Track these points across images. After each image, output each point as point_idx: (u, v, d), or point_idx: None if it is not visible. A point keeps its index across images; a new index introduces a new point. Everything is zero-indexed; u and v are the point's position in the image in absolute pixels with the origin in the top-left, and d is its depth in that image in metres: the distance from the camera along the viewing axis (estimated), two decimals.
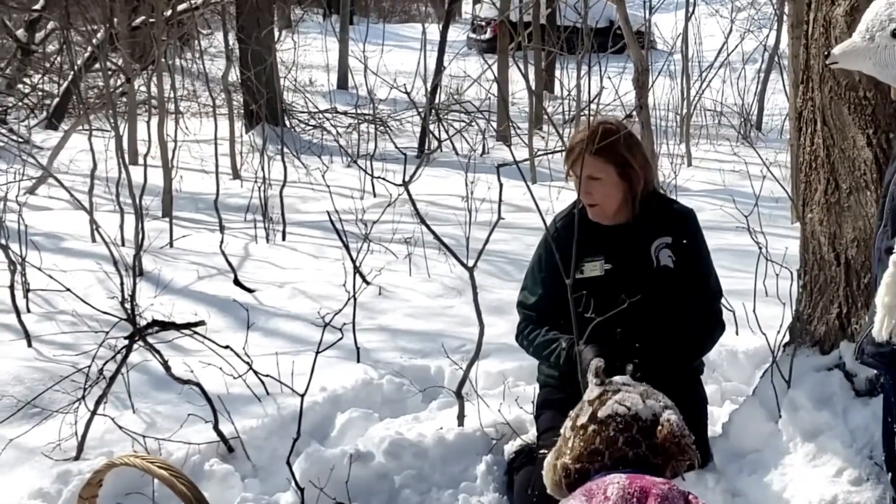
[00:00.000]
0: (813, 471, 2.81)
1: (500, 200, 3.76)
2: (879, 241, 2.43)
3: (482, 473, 3.38)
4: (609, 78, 6.84)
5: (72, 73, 10.94)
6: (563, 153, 3.32)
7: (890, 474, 2.55)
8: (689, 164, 9.11)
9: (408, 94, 3.86)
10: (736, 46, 10.23)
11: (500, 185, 3.68)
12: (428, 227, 3.75)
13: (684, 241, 3.21)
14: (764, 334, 3.25)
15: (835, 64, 2.47)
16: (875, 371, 2.76)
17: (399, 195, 5.65)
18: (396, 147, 5.30)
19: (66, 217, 7.36)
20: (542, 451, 3.31)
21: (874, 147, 2.94)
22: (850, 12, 2.93)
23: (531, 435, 3.62)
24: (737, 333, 4.35)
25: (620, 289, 3.17)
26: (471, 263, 3.79)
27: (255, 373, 3.90)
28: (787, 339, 3.23)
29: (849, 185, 3.01)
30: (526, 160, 7.63)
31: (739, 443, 3.04)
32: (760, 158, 4.18)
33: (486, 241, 3.61)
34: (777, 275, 3.29)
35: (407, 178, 3.81)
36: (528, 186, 3.18)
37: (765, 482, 2.88)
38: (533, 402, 3.56)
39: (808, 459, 2.84)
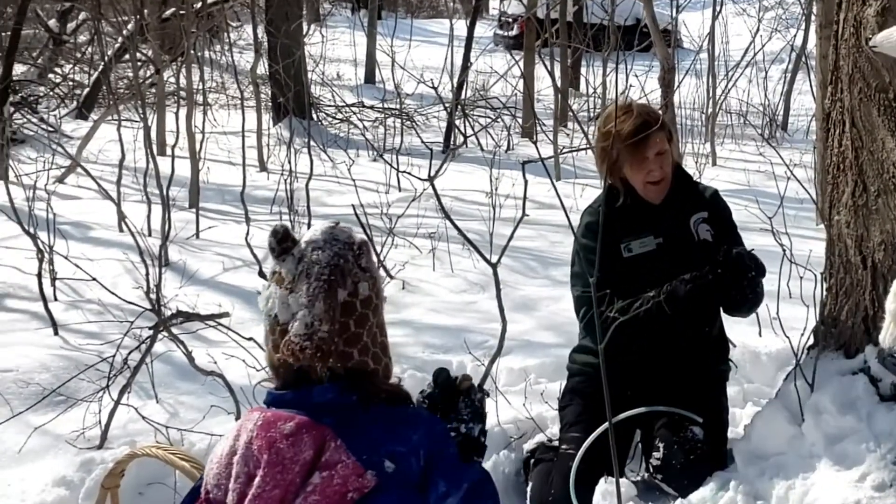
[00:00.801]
0: (836, 475, 2.78)
1: (525, 197, 3.75)
2: None
3: (488, 469, 3.35)
4: (636, 76, 6.80)
5: (102, 63, 11.01)
6: (602, 140, 3.34)
7: None
8: (714, 164, 9.05)
9: (434, 88, 3.85)
10: (763, 46, 10.15)
11: (525, 182, 3.67)
12: (452, 222, 3.75)
13: (719, 218, 3.34)
14: (787, 337, 3.23)
15: (874, 48, 2.50)
16: None
17: (424, 190, 5.65)
18: (423, 142, 5.30)
19: (95, 206, 7.42)
20: (563, 447, 3.32)
21: None
22: (881, 13, 2.90)
23: (551, 432, 3.62)
24: (760, 335, 4.33)
25: (669, 264, 3.28)
26: (494, 259, 3.78)
27: None
28: (811, 341, 3.21)
29: (877, 187, 2.98)
30: (551, 157, 7.61)
31: (762, 446, 3.03)
32: (782, 160, 4.14)
33: (511, 237, 3.61)
34: (801, 277, 3.26)
35: (433, 173, 3.81)
36: (552, 183, 3.17)
37: (786, 486, 2.86)
38: (558, 398, 3.56)
39: (830, 464, 2.82)
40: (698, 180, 3.54)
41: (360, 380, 1.95)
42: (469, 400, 2.21)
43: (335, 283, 1.94)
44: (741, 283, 3.15)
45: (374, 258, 2.03)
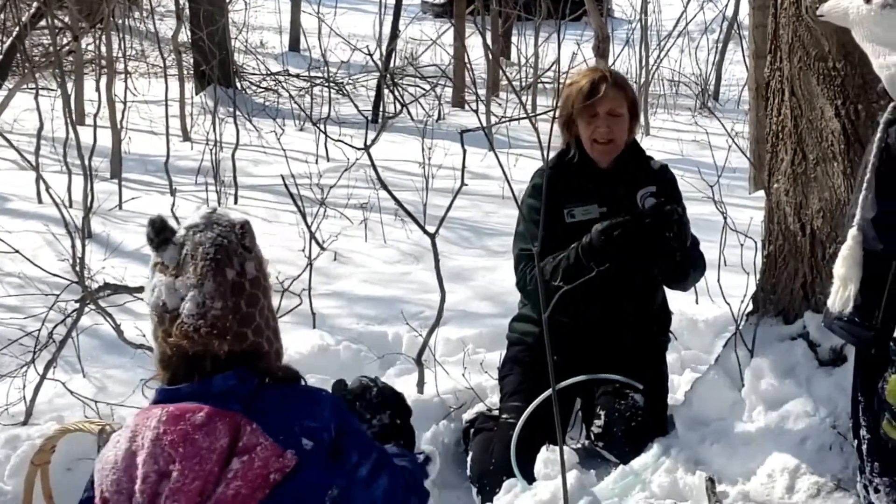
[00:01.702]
0: (776, 440, 2.81)
1: (464, 167, 3.72)
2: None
3: (426, 441, 3.32)
4: (578, 44, 6.79)
5: (16, 29, 10.63)
6: (563, 98, 3.32)
7: (855, 442, 2.56)
8: (647, 134, 9.10)
9: (370, 55, 3.77)
10: (695, 16, 10.22)
11: (464, 152, 3.63)
12: (389, 191, 3.69)
13: (667, 191, 3.31)
14: (728, 303, 3.25)
15: (821, 17, 2.53)
16: (840, 340, 2.76)
17: (357, 159, 5.57)
18: (358, 110, 5.22)
19: (12, 177, 7.17)
20: (504, 416, 3.30)
21: (842, 118, 2.92)
22: None
23: (490, 401, 3.60)
24: (697, 302, 4.37)
25: None
26: (432, 230, 3.74)
27: None
28: (750, 308, 3.23)
29: (816, 155, 2.99)
30: (495, 124, 7.57)
31: (702, 411, 3.04)
32: (725, 130, 4.15)
33: (450, 207, 3.57)
34: (742, 245, 3.28)
35: (368, 142, 3.74)
36: (494, 152, 3.12)
37: (728, 451, 2.87)
38: (497, 367, 3.54)
39: (770, 428, 2.84)
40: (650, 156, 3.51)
41: (256, 362, 1.93)
42: (364, 401, 2.25)
43: (222, 262, 1.92)
44: (661, 233, 3.13)
45: (256, 240, 2.00)
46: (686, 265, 3.28)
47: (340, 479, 1.90)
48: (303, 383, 2.00)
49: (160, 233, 1.93)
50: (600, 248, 3.15)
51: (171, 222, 1.95)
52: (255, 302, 1.94)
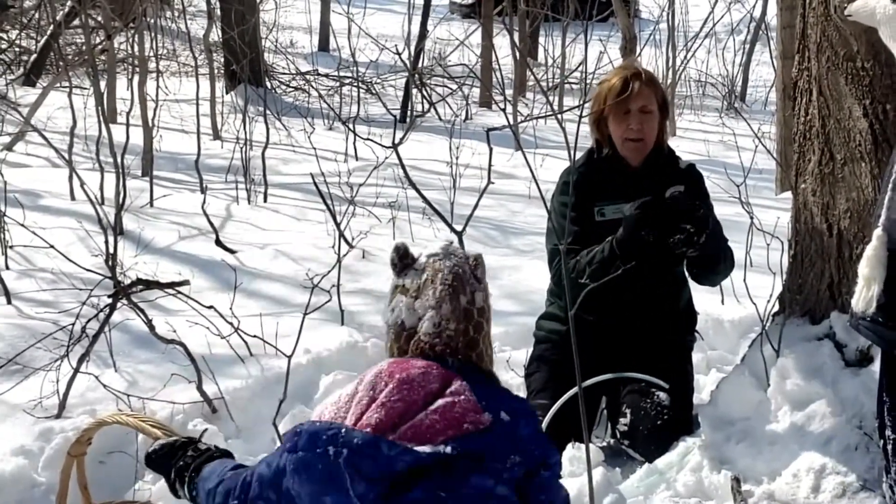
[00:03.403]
0: (802, 440, 2.81)
1: (490, 165, 3.73)
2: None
3: None
4: (602, 42, 6.79)
5: (51, 28, 10.76)
6: (595, 97, 3.38)
7: (881, 442, 2.56)
8: (674, 134, 9.09)
9: (398, 54, 3.80)
10: (722, 16, 10.19)
11: (490, 150, 3.65)
12: (417, 190, 3.71)
13: (695, 190, 3.31)
14: (754, 303, 3.25)
15: (849, 16, 2.53)
16: (866, 341, 2.76)
17: (387, 158, 5.61)
18: (387, 109, 5.25)
19: (45, 174, 7.26)
20: None
21: (870, 118, 2.92)
22: None
23: None
24: (722, 303, 4.37)
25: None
26: (459, 228, 3.76)
27: (241, 334, 3.87)
28: (776, 308, 3.23)
29: (843, 155, 2.99)
30: (521, 122, 7.58)
31: (728, 411, 3.04)
32: (752, 130, 4.15)
33: (476, 205, 3.58)
34: (768, 245, 3.28)
35: (396, 141, 3.77)
36: (521, 150, 3.14)
37: (753, 450, 2.88)
38: (524, 365, 3.56)
39: (796, 428, 2.84)
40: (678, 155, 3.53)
41: (479, 364, 2.15)
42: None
43: (458, 289, 2.13)
44: (681, 223, 3.13)
45: (486, 273, 2.24)
46: (715, 260, 3.29)
47: (524, 452, 2.06)
48: None
49: (403, 258, 2.18)
50: (635, 224, 3.14)
51: (413, 250, 2.20)
52: (480, 329, 2.16)
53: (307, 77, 11.65)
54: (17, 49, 12.59)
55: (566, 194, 3.33)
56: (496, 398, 2.09)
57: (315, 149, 6.96)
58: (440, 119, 8.81)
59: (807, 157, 3.13)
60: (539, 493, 2.10)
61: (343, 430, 2.01)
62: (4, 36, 12.93)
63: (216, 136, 9.18)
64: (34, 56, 11.77)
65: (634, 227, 3.15)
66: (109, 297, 3.75)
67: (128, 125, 7.07)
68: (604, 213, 3.34)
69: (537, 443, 2.12)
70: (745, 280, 3.41)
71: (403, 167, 3.80)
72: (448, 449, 1.99)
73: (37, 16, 12.79)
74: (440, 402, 2.03)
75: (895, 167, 2.40)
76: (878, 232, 2.36)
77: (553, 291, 3.51)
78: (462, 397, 2.04)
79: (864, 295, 2.28)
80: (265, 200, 6.81)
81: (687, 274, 3.43)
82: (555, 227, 3.28)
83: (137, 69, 8.61)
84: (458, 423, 2.02)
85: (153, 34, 9.98)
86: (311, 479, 2.02)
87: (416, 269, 2.16)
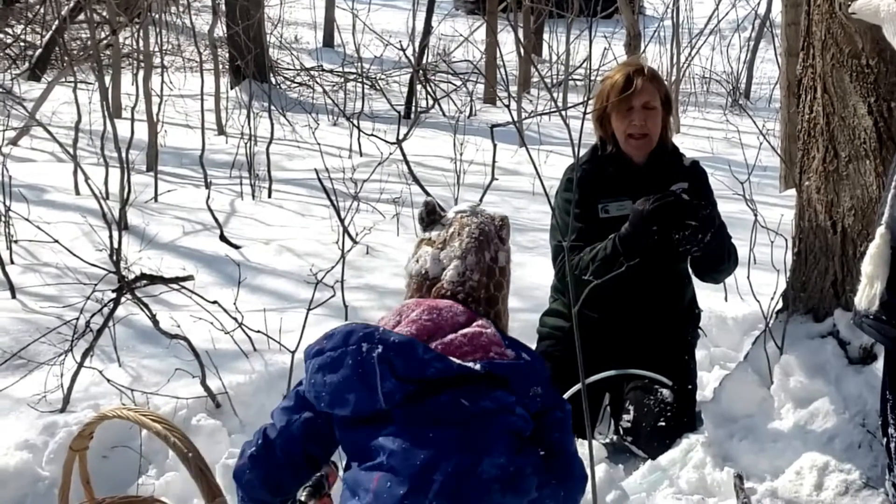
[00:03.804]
0: (805, 437, 2.81)
1: (494, 162, 3.75)
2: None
3: None
4: (606, 38, 6.79)
5: (56, 23, 10.77)
6: (598, 94, 3.36)
7: (885, 440, 2.56)
8: (678, 131, 9.08)
9: (403, 50, 3.81)
10: (726, 13, 10.19)
11: (494, 146, 3.67)
12: (421, 186, 3.72)
13: (698, 187, 3.31)
14: (757, 301, 3.25)
15: (853, 14, 2.53)
16: (869, 339, 2.76)
17: (391, 153, 5.61)
18: (391, 105, 5.24)
19: (50, 169, 7.27)
20: None
21: (874, 115, 2.92)
22: None
23: None
24: (726, 300, 4.37)
25: None
26: None
27: (245, 329, 3.88)
28: (780, 305, 3.23)
29: (848, 153, 2.99)
30: (526, 118, 7.58)
31: (731, 408, 3.04)
32: (757, 127, 4.14)
33: (481, 200, 3.59)
34: (772, 242, 3.28)
35: (400, 136, 3.78)
36: (525, 146, 3.15)
37: (756, 448, 2.88)
38: None
39: (799, 426, 2.85)
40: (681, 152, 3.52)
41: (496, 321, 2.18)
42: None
43: (483, 243, 2.17)
44: (686, 223, 3.13)
45: (510, 235, 2.28)
46: (719, 259, 3.29)
47: (546, 388, 2.11)
48: None
49: (431, 214, 2.25)
50: (642, 221, 3.13)
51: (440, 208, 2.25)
52: (500, 287, 2.21)
53: (312, 73, 11.66)
54: (22, 44, 12.60)
55: (570, 191, 3.33)
56: (516, 343, 2.15)
57: (319, 144, 6.96)
58: (444, 115, 8.82)
59: (811, 154, 3.13)
60: (553, 430, 2.12)
61: (380, 328, 2.07)
62: (10, 31, 12.94)
63: (221, 131, 9.19)
64: (39, 51, 11.79)
65: (641, 224, 3.15)
66: (114, 291, 3.76)
67: (132, 120, 7.07)
68: (608, 210, 3.34)
69: (553, 389, 2.17)
70: (748, 277, 3.41)
71: (407, 163, 3.81)
72: (478, 366, 2.04)
73: (42, 11, 12.81)
74: (468, 329, 2.08)
75: None
76: (881, 230, 2.37)
77: (556, 288, 3.51)
78: (489, 330, 2.10)
79: (868, 293, 2.29)
80: (269, 196, 6.81)
81: (690, 271, 3.43)
82: (558, 224, 3.28)
83: (142, 64, 8.62)
84: (484, 350, 2.06)
85: (158, 29, 9.98)
86: (339, 373, 2.03)
87: (442, 223, 2.22)
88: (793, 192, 3.52)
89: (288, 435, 2.18)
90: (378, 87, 9.87)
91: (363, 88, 9.99)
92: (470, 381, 2.03)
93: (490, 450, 2.00)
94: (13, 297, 4.58)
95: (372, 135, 4.08)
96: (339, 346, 2.06)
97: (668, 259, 3.30)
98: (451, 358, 2.03)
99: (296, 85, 11.52)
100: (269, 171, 6.97)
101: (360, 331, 2.06)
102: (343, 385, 2.03)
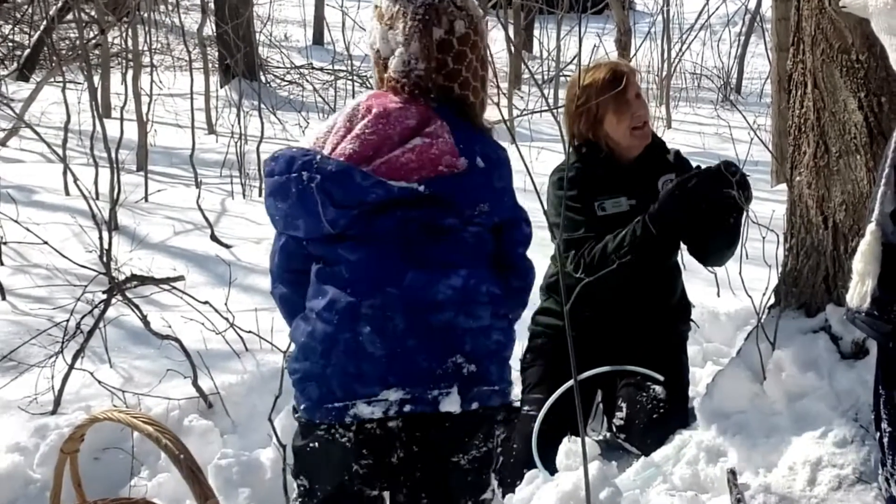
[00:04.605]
0: (797, 432, 2.81)
1: None
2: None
3: None
4: (599, 35, 6.79)
5: (44, 23, 10.73)
6: (578, 96, 3.36)
7: (878, 435, 2.56)
8: (669, 127, 9.08)
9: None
10: (717, 8, 10.19)
11: None
12: None
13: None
14: (749, 296, 3.25)
15: (843, 8, 2.53)
16: (862, 333, 2.76)
17: None
18: None
19: (39, 170, 7.24)
20: (525, 409, 3.32)
21: (865, 110, 2.91)
22: None
23: (514, 393, 3.61)
24: (718, 295, 4.37)
25: None
26: None
27: (236, 329, 3.87)
28: (772, 301, 3.23)
29: (838, 148, 2.99)
30: (517, 117, 7.58)
31: (724, 404, 3.04)
32: (747, 123, 4.14)
33: None
34: (763, 238, 3.28)
35: None
36: (515, 145, 3.13)
37: (749, 443, 2.88)
38: (520, 359, 3.55)
39: (792, 421, 2.84)
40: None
41: (461, 107, 2.13)
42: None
43: (430, 22, 2.09)
44: (724, 191, 3.12)
45: None
46: (736, 232, 3.31)
47: (494, 202, 2.10)
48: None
49: None
50: (679, 200, 3.12)
51: None
52: (462, 58, 2.13)
53: (302, 71, 11.63)
54: (10, 44, 12.55)
55: (563, 189, 3.32)
56: (474, 142, 2.09)
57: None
58: None
59: (802, 149, 3.12)
60: (518, 245, 2.19)
61: (318, 156, 2.05)
62: None
63: (211, 130, 9.16)
64: (27, 51, 11.73)
65: (689, 200, 3.12)
66: (104, 293, 3.75)
67: (122, 120, 7.05)
68: (604, 208, 3.33)
69: (512, 199, 2.15)
70: (740, 273, 3.41)
71: None
72: (421, 188, 2.03)
73: (30, 10, 12.75)
74: (417, 141, 2.04)
75: (888, 161, 2.40)
76: (871, 227, 2.36)
77: (549, 287, 3.50)
78: (440, 139, 2.05)
79: (859, 290, 2.28)
80: (260, 195, 6.79)
81: (691, 257, 3.42)
82: (562, 220, 3.23)
83: (131, 64, 8.59)
84: (433, 164, 2.03)
85: (147, 28, 9.94)
86: (286, 201, 2.07)
87: None
88: (784, 187, 3.52)
89: (276, 261, 2.27)
90: (368, 85, 9.83)
91: (353, 86, 9.97)
92: (415, 203, 2.03)
93: (449, 264, 2.06)
94: (3, 298, 4.57)
95: None
96: (284, 172, 2.08)
97: (698, 232, 3.27)
98: (392, 182, 2.02)
99: (286, 83, 11.50)
100: (259, 170, 6.95)
101: (300, 158, 2.07)
102: (291, 212, 2.08)
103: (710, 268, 3.54)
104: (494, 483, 2.22)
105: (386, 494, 2.20)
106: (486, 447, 2.17)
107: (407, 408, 2.05)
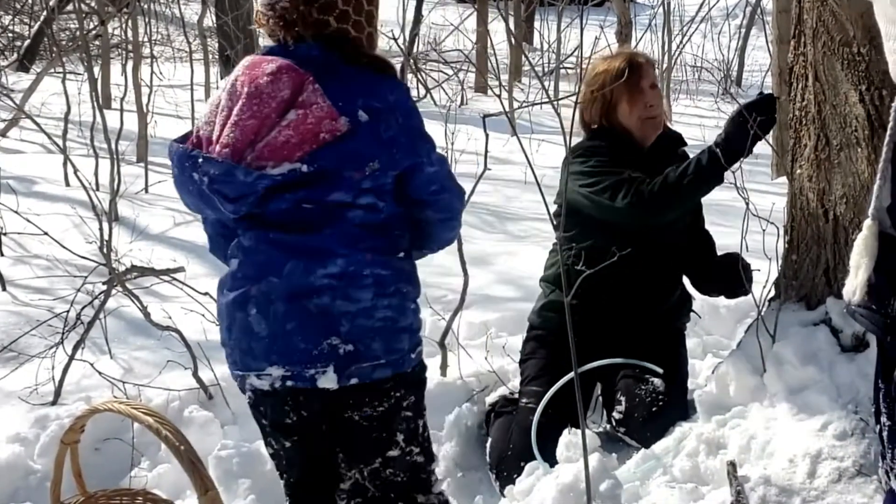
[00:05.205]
0: (797, 425, 2.81)
1: (487, 151, 3.73)
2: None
3: (449, 423, 3.36)
4: (601, 26, 6.78)
5: (44, 14, 10.71)
6: (593, 84, 3.36)
7: (877, 428, 2.56)
8: (669, 120, 9.07)
9: (394, 39, 3.79)
10: (717, 1, 10.18)
11: (486, 136, 3.64)
12: None
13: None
14: (750, 289, 3.25)
15: None
16: (861, 327, 2.76)
17: None
18: None
19: (39, 160, 7.24)
20: (523, 401, 3.32)
21: (866, 103, 2.91)
22: None
23: (513, 385, 3.62)
24: None
25: None
26: None
27: None
28: (772, 293, 3.23)
29: (839, 141, 2.98)
30: (518, 108, 7.57)
31: (724, 396, 3.04)
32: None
33: (472, 192, 3.57)
34: (764, 231, 3.28)
35: None
36: (518, 139, 3.12)
37: (749, 436, 2.88)
38: (520, 351, 3.55)
39: (792, 414, 2.84)
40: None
41: (343, 45, 2.11)
42: None
43: None
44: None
45: None
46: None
47: (385, 156, 2.08)
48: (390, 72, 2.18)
49: None
50: (744, 127, 3.14)
51: None
52: None
53: None
54: (10, 34, 12.53)
55: (588, 157, 3.29)
56: (354, 95, 2.07)
57: None
58: (435, 104, 8.78)
59: (803, 142, 3.12)
60: (428, 185, 2.19)
61: (201, 158, 2.10)
62: None
63: None
64: (27, 42, 11.73)
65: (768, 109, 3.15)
66: (104, 283, 3.75)
67: (122, 111, 7.05)
68: None
69: (405, 145, 2.12)
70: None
71: None
72: (304, 168, 2.04)
73: (30, 1, 12.74)
74: (291, 115, 2.04)
75: (884, 155, 2.39)
76: (867, 221, 2.35)
77: (554, 278, 3.45)
78: (314, 106, 2.04)
79: (853, 283, 2.28)
80: None
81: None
82: (600, 171, 3.19)
83: (131, 54, 8.58)
84: (313, 135, 2.03)
85: (147, 19, 9.93)
86: (190, 196, 2.16)
87: None
88: (784, 179, 3.51)
89: (208, 235, 2.33)
90: None
91: None
92: (303, 182, 2.06)
93: (327, 252, 2.09)
94: (3, 289, 4.57)
95: None
96: (180, 172, 2.15)
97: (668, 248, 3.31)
98: (275, 170, 2.05)
99: None
100: None
101: (187, 159, 2.12)
102: (198, 204, 2.18)
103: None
104: (403, 443, 2.27)
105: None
106: (382, 407, 2.23)
107: (289, 383, 2.17)
